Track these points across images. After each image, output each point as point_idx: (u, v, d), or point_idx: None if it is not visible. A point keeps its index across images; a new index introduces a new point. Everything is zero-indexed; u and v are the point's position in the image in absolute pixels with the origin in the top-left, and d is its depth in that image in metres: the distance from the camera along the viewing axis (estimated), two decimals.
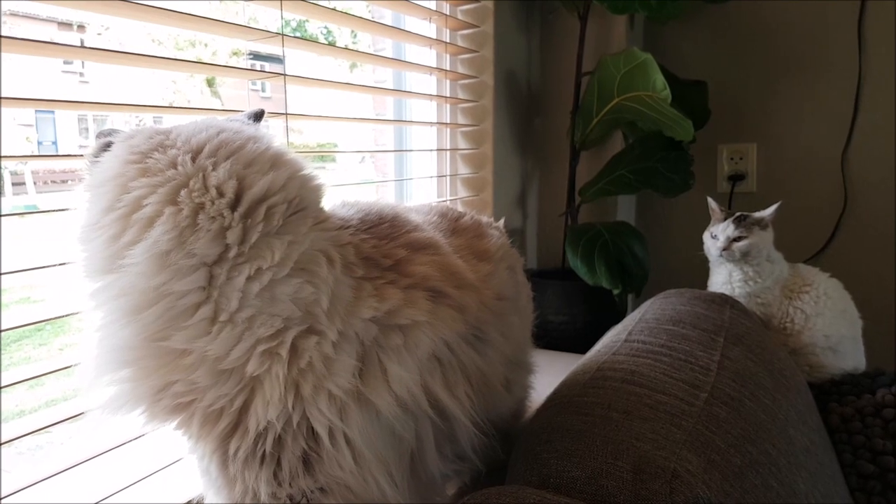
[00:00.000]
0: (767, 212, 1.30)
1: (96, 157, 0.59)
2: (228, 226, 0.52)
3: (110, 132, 0.60)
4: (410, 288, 0.57)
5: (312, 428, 0.53)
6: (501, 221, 0.89)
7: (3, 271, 0.68)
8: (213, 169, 0.54)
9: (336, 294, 0.53)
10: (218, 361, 0.51)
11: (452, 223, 0.74)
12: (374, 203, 0.67)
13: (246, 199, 0.53)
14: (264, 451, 0.52)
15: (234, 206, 0.53)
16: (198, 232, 0.52)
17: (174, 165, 0.55)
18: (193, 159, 0.55)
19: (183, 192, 0.53)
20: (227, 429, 0.53)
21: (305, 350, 0.52)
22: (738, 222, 1.29)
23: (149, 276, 0.51)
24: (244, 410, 0.52)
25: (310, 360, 0.52)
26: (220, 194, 0.53)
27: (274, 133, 0.65)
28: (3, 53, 0.70)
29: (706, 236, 1.36)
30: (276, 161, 0.58)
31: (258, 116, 0.71)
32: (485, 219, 0.83)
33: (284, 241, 0.53)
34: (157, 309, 0.51)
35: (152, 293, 0.51)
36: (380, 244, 0.59)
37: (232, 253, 0.52)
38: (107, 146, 0.59)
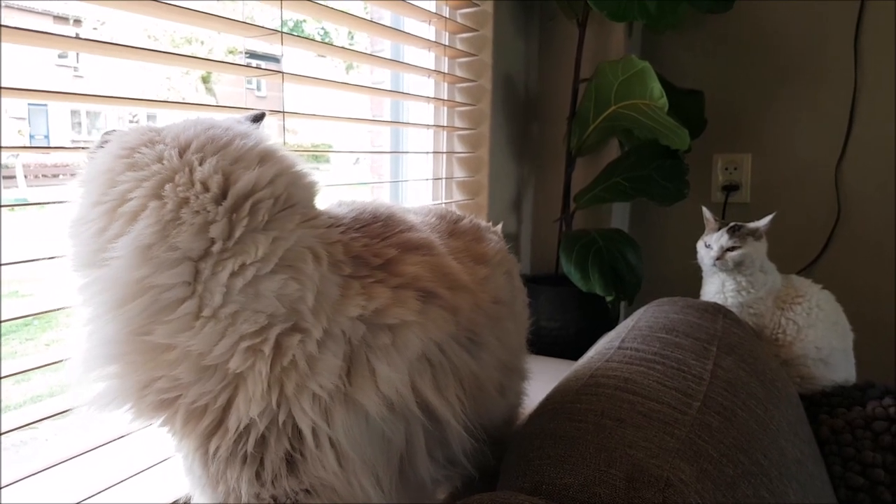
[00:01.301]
0: (762, 222, 1.30)
1: (93, 153, 0.59)
2: (212, 220, 0.52)
3: (112, 132, 0.60)
4: (400, 287, 0.56)
5: (296, 427, 0.52)
6: (499, 226, 0.89)
7: (4, 261, 0.68)
8: (200, 164, 0.54)
9: (322, 292, 0.53)
10: (201, 357, 0.51)
11: (451, 225, 0.74)
12: (370, 202, 0.66)
13: (231, 195, 0.53)
14: (246, 450, 0.52)
15: (218, 201, 0.53)
16: (181, 226, 0.51)
17: (160, 160, 0.55)
18: (180, 154, 0.55)
19: (168, 187, 0.53)
20: (209, 427, 0.52)
21: (289, 348, 0.51)
22: (732, 232, 1.29)
23: (131, 269, 0.51)
24: (227, 408, 0.52)
25: (293, 359, 0.51)
26: (206, 189, 0.53)
27: (267, 131, 0.65)
28: (2, 43, 0.70)
29: (700, 245, 1.36)
30: (264, 157, 0.58)
31: (258, 118, 0.70)
32: (483, 223, 0.82)
33: (269, 237, 0.52)
34: (140, 302, 0.51)
35: (135, 286, 0.51)
36: (371, 243, 0.59)
37: (216, 248, 0.52)
38: (105, 143, 0.59)
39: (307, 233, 0.55)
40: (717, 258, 1.29)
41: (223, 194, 0.54)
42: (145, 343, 0.51)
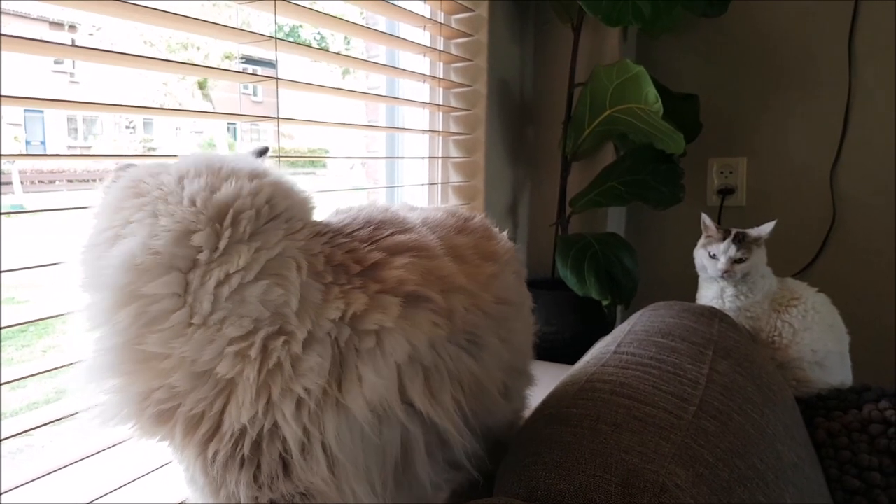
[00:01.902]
0: (764, 231, 1.29)
1: (108, 187, 0.62)
2: (195, 229, 0.54)
3: (127, 167, 0.64)
4: (380, 293, 0.56)
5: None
6: (505, 232, 0.88)
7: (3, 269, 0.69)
8: (192, 183, 0.58)
9: (305, 296, 0.54)
10: (193, 364, 0.52)
11: (461, 222, 0.74)
12: (368, 206, 0.67)
13: (212, 205, 0.56)
14: (243, 454, 0.53)
15: (202, 211, 0.56)
16: (161, 233, 0.54)
17: (160, 186, 0.58)
18: (179, 180, 0.58)
19: (161, 205, 0.56)
20: (207, 433, 0.53)
21: (274, 350, 0.53)
22: (739, 243, 1.28)
23: (118, 276, 0.53)
24: (223, 413, 0.53)
25: (278, 361, 0.52)
26: (192, 203, 0.56)
27: (268, 163, 0.68)
28: (2, 52, 0.70)
29: (701, 254, 1.34)
30: (253, 176, 0.60)
31: (262, 153, 0.75)
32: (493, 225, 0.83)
33: (252, 248, 0.54)
34: (129, 311, 0.53)
35: (121, 293, 0.53)
36: (358, 248, 0.59)
37: (203, 257, 0.54)
38: (118, 178, 0.62)
39: (290, 245, 0.56)
40: (726, 271, 1.29)
41: (205, 205, 0.56)
42: (139, 353, 0.53)
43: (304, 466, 0.53)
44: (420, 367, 0.58)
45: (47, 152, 0.74)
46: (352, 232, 0.61)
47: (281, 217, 0.58)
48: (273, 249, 0.55)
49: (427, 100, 1.58)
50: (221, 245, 0.54)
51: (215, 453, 0.53)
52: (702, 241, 1.37)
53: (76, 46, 0.78)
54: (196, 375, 0.52)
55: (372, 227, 0.62)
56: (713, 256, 1.31)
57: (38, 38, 0.74)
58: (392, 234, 0.62)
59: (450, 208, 0.78)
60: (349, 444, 0.54)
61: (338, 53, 1.25)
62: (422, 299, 0.58)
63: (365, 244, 0.60)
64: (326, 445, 0.53)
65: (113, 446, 0.82)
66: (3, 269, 0.69)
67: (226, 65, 1.54)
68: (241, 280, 0.53)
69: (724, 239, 1.30)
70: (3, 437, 0.70)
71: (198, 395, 0.53)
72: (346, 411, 0.54)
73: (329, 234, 0.60)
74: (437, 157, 1.64)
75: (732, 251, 1.28)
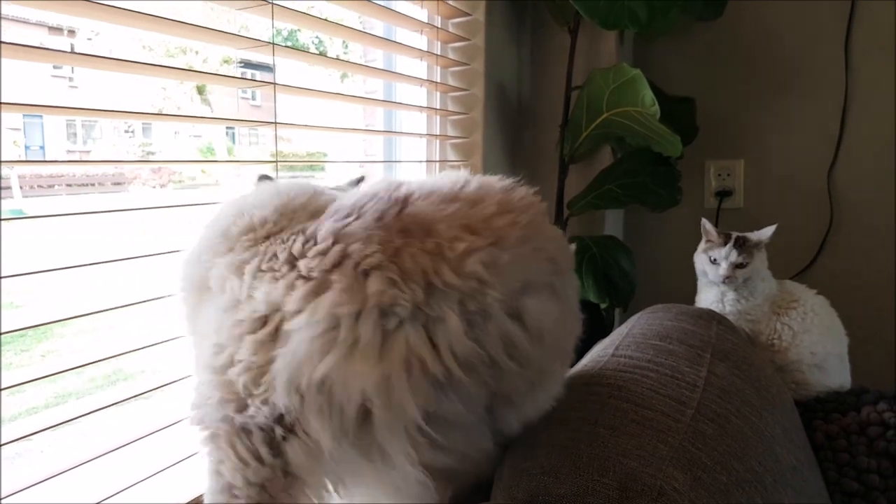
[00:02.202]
0: (765, 234, 1.29)
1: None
2: (218, 251, 0.72)
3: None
4: (296, 279, 0.64)
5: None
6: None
7: (2, 274, 0.70)
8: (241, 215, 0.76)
9: (253, 285, 0.67)
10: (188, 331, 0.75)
11: (498, 194, 0.74)
12: (362, 190, 0.72)
13: (230, 237, 0.73)
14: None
15: (223, 242, 0.74)
16: (202, 258, 0.74)
17: (231, 210, 0.78)
18: (240, 212, 0.76)
19: (218, 239, 0.75)
20: None
21: (224, 323, 0.67)
22: (740, 247, 1.28)
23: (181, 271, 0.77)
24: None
25: (229, 333, 0.66)
26: (225, 233, 0.75)
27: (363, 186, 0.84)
28: (2, 59, 0.70)
29: (702, 259, 1.34)
30: (273, 195, 0.77)
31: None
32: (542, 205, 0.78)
33: (237, 257, 0.71)
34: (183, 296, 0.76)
35: (183, 283, 0.76)
36: (293, 243, 0.68)
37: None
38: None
39: (256, 250, 0.71)
40: (727, 276, 1.29)
41: (226, 236, 0.74)
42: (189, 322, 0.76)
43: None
44: (341, 341, 0.60)
45: (46, 157, 0.74)
46: (303, 229, 0.70)
47: (271, 235, 0.72)
48: (244, 254, 0.71)
49: (424, 103, 1.59)
50: (222, 259, 0.71)
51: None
52: (702, 245, 1.36)
53: (75, 53, 0.79)
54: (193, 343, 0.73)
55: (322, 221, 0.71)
56: (714, 261, 1.31)
57: (38, 43, 0.74)
58: (333, 223, 0.68)
59: (498, 180, 0.80)
60: (297, 410, 0.61)
61: (335, 58, 1.25)
62: (330, 282, 0.62)
63: (300, 237, 0.68)
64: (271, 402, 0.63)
65: (112, 450, 0.82)
66: (2, 274, 0.70)
67: (224, 69, 1.54)
68: (224, 277, 0.70)
69: (725, 244, 1.29)
70: (2, 442, 0.71)
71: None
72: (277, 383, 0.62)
73: (286, 236, 0.70)
74: (435, 161, 1.64)
75: (734, 256, 1.28)
